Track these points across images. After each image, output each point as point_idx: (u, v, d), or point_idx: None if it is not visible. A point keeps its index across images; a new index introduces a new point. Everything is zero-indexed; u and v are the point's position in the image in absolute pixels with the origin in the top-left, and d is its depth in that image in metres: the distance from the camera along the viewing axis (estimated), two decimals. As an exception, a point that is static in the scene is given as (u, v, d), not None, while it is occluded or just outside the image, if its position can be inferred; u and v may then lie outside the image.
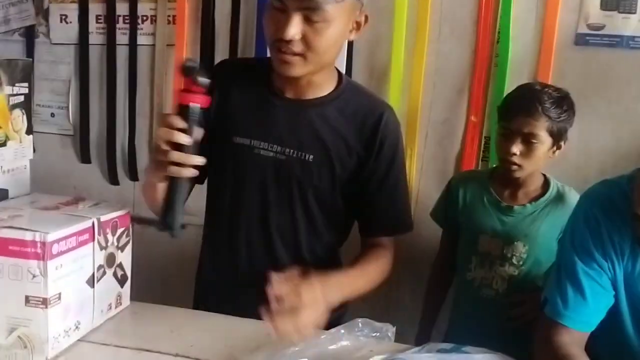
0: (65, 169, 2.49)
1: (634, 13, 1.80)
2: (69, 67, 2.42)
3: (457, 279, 1.77)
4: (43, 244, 1.03)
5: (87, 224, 1.15)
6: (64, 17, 2.38)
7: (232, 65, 1.49)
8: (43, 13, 2.42)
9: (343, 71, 1.98)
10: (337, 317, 1.36)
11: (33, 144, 2.44)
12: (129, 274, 1.31)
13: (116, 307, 1.27)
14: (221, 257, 1.37)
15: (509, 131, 1.55)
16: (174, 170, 1.03)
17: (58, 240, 1.06)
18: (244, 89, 1.29)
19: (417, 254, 2.00)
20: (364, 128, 1.26)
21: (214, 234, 1.38)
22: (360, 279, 1.26)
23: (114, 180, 2.43)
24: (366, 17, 1.21)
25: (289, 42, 1.11)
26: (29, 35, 2.44)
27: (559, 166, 1.65)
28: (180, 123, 1.02)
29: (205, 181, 1.38)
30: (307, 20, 1.11)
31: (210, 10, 2.20)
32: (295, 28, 1.10)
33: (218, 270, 1.39)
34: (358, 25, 1.20)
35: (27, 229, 1.04)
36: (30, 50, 2.44)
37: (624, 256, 1.15)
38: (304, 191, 1.27)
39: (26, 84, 1.35)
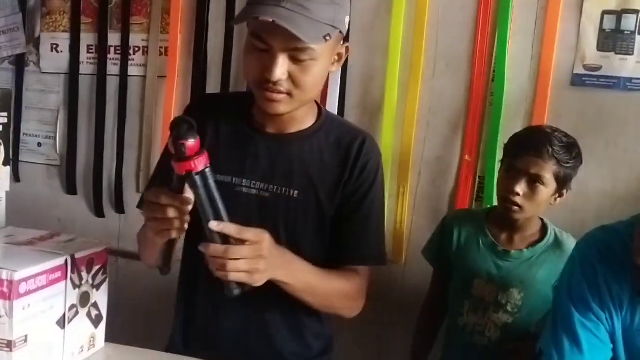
0: (50, 200, 2.45)
1: (631, 54, 1.78)
2: (58, 96, 2.40)
3: (448, 323, 1.71)
4: (10, 282, 0.98)
5: (59, 261, 1.09)
6: (55, 46, 2.37)
7: (209, 101, 1.47)
8: (34, 42, 2.41)
9: (336, 107, 2.00)
10: None
11: (18, 173, 2.44)
12: (104, 313, 1.25)
13: (89, 349, 1.21)
14: (201, 303, 1.32)
15: (515, 170, 1.52)
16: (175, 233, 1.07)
17: (26, 279, 1.01)
18: (222, 125, 1.27)
19: (410, 295, 1.95)
20: (348, 154, 1.23)
21: (192, 278, 1.32)
22: (319, 276, 1.18)
23: (99, 212, 2.38)
24: (347, 48, 1.20)
25: (275, 82, 1.09)
26: (19, 63, 2.43)
27: (554, 209, 1.61)
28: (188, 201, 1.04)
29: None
30: (293, 59, 1.09)
31: (203, 42, 2.18)
32: (281, 69, 1.08)
33: (198, 315, 1.33)
34: (339, 56, 1.19)
35: (-7, 267, 1.00)
36: (19, 79, 2.43)
37: (622, 307, 1.10)
38: (291, 228, 1.23)
39: (5, 114, 1.31)
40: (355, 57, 2.02)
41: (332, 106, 1.99)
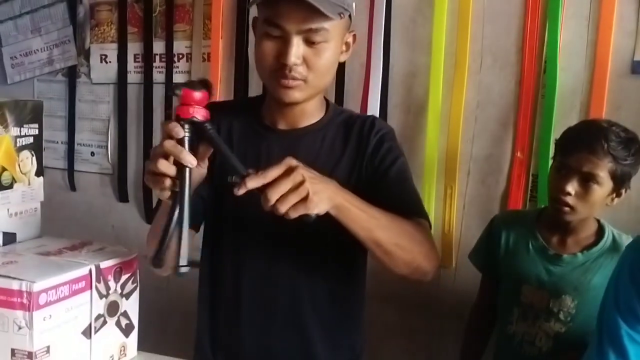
0: (104, 208, 2.51)
1: (698, 38, 1.64)
2: (109, 106, 2.45)
3: (497, 332, 1.63)
4: (29, 293, 0.98)
5: (83, 271, 1.09)
6: (104, 57, 2.43)
7: (220, 105, 1.48)
8: (84, 53, 2.47)
9: (377, 106, 1.94)
10: None
11: (74, 182, 2.51)
12: (135, 322, 1.24)
13: (119, 358, 1.20)
14: (225, 306, 1.30)
15: (567, 168, 1.42)
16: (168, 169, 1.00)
17: (46, 290, 1.01)
18: (234, 126, 1.27)
19: (461, 302, 1.86)
20: (360, 136, 1.23)
21: (216, 275, 1.31)
22: (379, 209, 1.08)
23: (150, 219, 2.40)
24: (354, 37, 1.21)
25: (291, 68, 1.10)
26: (71, 75, 2.49)
27: (614, 207, 1.49)
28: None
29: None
30: (307, 43, 1.10)
31: (244, 48, 2.18)
32: (296, 51, 1.09)
33: (221, 325, 1.32)
34: (347, 46, 1.20)
35: (14, 278, 1.00)
36: (72, 90, 2.49)
37: (675, 320, 0.98)
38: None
39: (36, 125, 1.32)
40: (396, 54, 1.96)
41: (374, 106, 1.94)
